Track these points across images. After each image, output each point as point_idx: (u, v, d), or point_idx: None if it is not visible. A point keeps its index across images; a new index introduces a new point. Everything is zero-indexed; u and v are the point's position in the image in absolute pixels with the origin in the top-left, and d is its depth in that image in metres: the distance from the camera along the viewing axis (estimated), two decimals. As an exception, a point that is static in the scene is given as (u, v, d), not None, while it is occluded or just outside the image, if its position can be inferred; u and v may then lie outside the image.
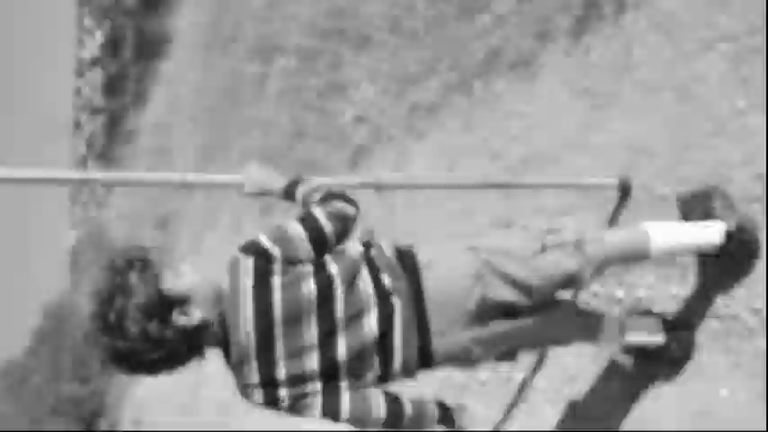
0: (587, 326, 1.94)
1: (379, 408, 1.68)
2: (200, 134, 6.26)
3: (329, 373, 1.65)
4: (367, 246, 1.76)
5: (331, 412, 1.67)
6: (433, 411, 1.77)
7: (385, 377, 1.71)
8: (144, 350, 1.52)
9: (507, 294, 1.73)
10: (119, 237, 8.24)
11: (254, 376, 1.64)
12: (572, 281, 1.79)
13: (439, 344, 1.71)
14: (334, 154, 4.25)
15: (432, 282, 1.70)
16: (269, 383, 1.63)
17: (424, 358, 1.72)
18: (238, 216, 5.26)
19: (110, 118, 9.99)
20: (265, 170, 1.83)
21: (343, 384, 1.67)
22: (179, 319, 1.55)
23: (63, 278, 11.61)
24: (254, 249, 1.65)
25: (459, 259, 1.74)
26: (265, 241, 1.65)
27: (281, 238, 1.65)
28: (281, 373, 1.63)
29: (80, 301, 9.17)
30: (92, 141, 10.70)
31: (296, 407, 1.67)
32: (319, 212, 1.68)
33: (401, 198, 3.40)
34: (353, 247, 1.74)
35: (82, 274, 10.30)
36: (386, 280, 1.68)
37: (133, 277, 1.53)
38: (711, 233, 1.85)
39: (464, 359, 1.77)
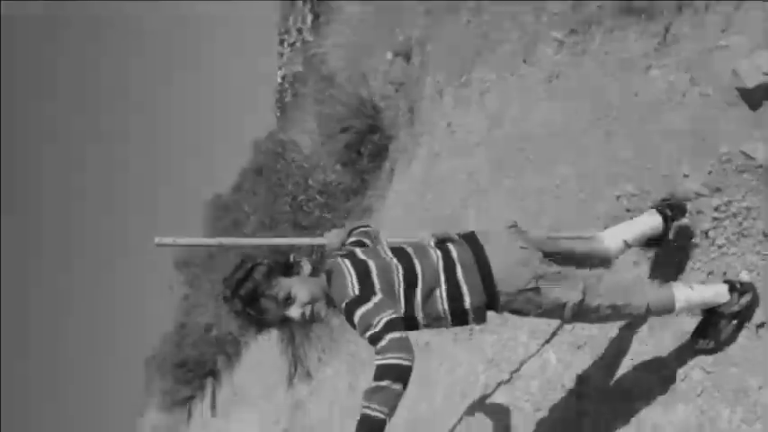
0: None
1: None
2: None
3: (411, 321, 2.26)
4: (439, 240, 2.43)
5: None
6: None
7: (461, 318, 2.29)
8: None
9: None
10: (339, 67, 7.60)
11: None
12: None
13: (498, 267, 2.26)
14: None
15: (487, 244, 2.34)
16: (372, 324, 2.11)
17: (489, 289, 2.24)
18: (532, 38, 4.27)
19: None
20: (338, 231, 2.72)
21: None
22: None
23: (271, 117, 11.46)
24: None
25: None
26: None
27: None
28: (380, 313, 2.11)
29: (291, 137, 8.93)
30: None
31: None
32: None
33: None
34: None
35: (290, 112, 10.02)
36: (451, 247, 2.35)
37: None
38: (722, 291, 2.45)
39: (531, 291, 2.26)
